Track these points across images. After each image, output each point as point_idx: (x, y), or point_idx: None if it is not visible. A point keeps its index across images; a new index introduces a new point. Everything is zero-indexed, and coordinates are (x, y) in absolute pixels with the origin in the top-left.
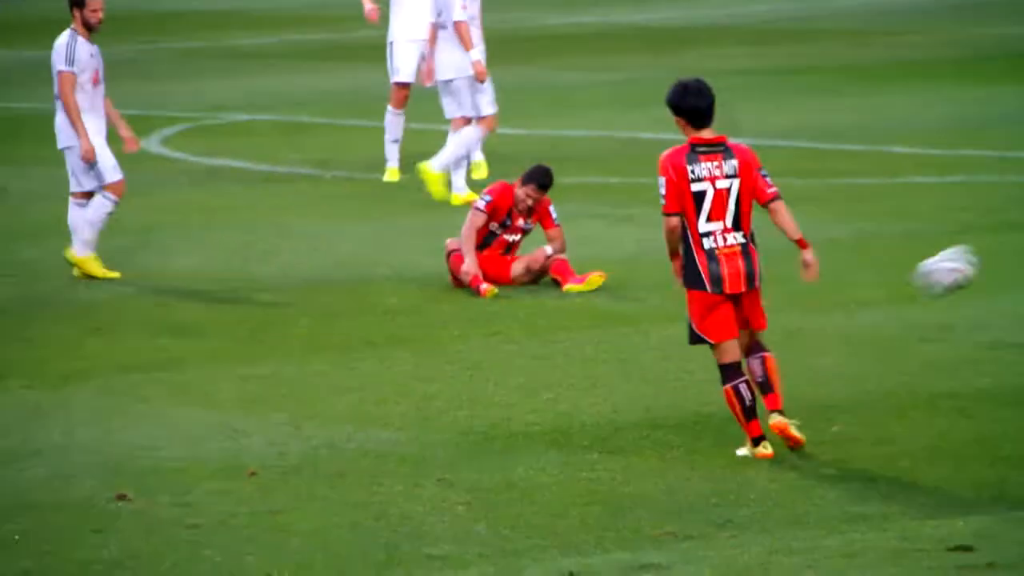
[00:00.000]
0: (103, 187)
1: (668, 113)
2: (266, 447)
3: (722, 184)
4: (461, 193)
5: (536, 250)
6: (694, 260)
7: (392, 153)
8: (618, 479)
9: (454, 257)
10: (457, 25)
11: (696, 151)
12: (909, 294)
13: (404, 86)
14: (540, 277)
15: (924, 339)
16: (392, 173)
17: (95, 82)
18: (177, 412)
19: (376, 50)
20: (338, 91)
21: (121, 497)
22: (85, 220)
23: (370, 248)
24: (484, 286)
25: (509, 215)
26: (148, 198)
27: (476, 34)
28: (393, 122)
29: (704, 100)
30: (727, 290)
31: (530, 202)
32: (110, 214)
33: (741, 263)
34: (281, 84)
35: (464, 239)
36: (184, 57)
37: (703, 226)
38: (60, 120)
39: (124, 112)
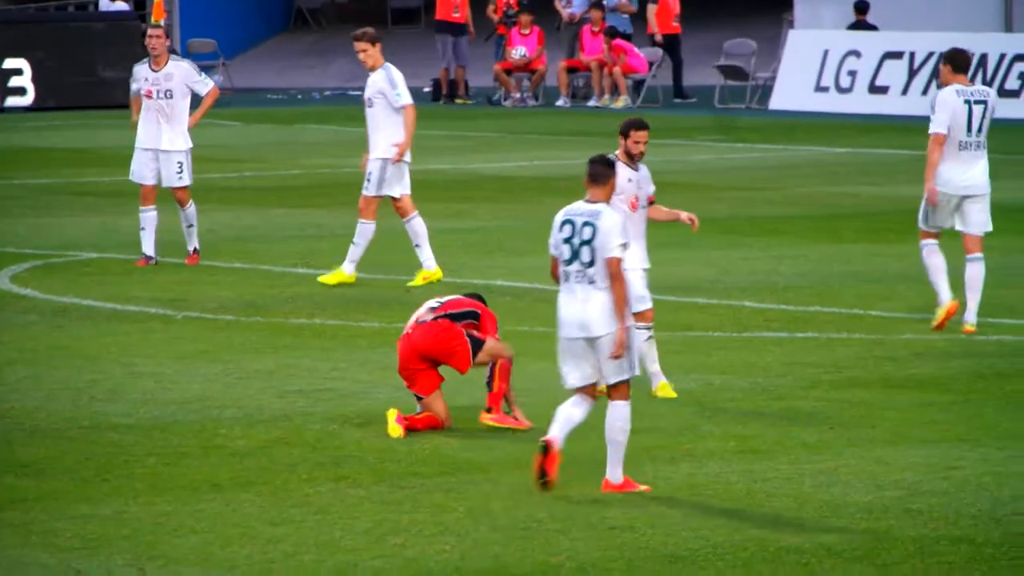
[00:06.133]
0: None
1: (520, 261)
2: None
3: None
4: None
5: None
6: None
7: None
8: None
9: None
10: None
11: None
12: (756, 448)
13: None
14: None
15: (771, 494)
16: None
17: (632, 208)
18: (18, 553)
19: (226, 192)
20: None
21: None
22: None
23: (219, 389)
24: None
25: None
26: None
27: None
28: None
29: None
30: None
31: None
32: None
33: None
34: (132, 223)
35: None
36: (38, 194)
37: None
38: None
39: None
